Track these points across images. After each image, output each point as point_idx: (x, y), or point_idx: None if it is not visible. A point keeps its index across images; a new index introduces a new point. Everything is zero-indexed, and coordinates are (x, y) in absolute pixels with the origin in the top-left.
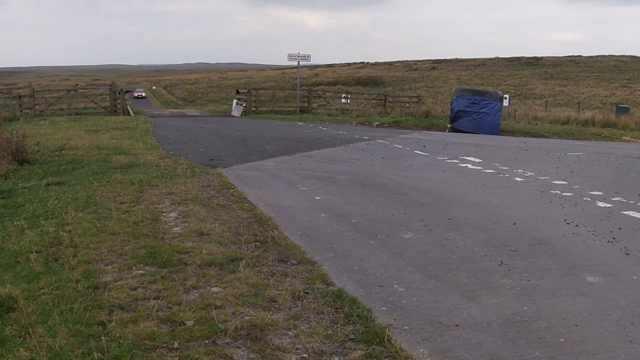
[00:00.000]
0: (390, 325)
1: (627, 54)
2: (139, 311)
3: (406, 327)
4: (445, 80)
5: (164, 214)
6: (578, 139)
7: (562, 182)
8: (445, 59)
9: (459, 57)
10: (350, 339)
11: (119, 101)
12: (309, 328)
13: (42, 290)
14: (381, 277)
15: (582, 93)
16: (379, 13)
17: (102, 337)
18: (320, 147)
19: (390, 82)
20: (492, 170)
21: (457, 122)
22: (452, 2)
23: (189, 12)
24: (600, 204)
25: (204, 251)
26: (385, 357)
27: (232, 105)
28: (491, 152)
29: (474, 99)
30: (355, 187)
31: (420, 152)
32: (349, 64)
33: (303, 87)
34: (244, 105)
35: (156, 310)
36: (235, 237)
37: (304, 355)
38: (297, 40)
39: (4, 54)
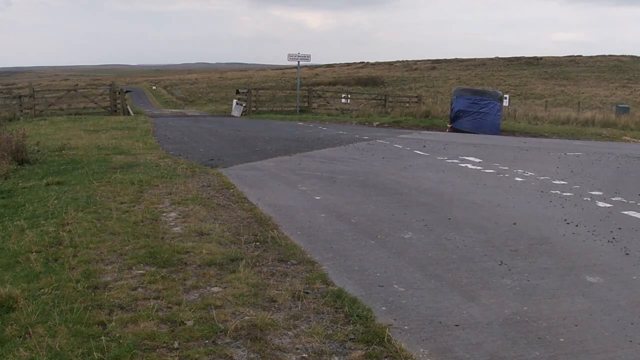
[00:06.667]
0: (390, 325)
1: (627, 54)
2: (139, 311)
3: (406, 327)
4: (445, 80)
5: (164, 214)
6: (578, 139)
7: (562, 182)
8: (445, 59)
9: (459, 57)
10: (350, 339)
11: (119, 101)
12: (309, 328)
13: (42, 290)
14: (381, 277)
15: (582, 93)
16: (379, 13)
17: (102, 337)
18: (320, 147)
19: (390, 82)
20: (492, 170)
21: (457, 122)
22: (452, 2)
23: (189, 12)
24: (600, 204)
25: (204, 251)
26: (385, 357)
27: (232, 105)
28: (491, 152)
29: (474, 98)
30: (355, 187)
31: (420, 152)
32: (349, 64)
33: (303, 87)
34: (244, 105)
35: (156, 310)
36: (235, 237)
37: (304, 355)
38: (297, 40)
39: (5, 54)
